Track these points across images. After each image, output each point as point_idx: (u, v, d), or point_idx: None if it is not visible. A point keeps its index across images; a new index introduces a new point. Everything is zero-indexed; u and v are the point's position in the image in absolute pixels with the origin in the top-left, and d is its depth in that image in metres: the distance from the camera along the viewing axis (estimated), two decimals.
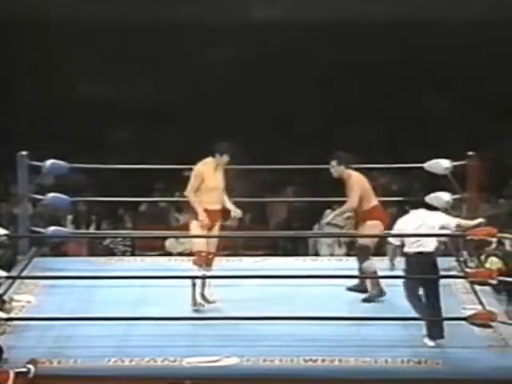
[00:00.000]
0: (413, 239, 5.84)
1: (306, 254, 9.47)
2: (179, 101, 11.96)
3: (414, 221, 5.93)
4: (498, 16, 11.56)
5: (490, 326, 5.75)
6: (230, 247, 9.60)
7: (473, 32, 11.47)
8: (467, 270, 6.67)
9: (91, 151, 10.58)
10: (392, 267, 6.05)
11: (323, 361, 5.52)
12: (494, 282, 5.96)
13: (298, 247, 10.06)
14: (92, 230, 9.94)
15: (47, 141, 10.41)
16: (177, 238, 9.79)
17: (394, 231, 6.01)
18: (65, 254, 9.28)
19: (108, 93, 12.06)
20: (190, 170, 6.53)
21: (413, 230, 5.88)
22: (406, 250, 5.88)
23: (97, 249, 9.72)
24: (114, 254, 9.36)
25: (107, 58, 11.87)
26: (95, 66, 11.87)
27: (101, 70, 11.91)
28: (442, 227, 5.91)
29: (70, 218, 9.96)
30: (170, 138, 11.82)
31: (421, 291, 5.83)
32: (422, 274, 5.81)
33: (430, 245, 5.84)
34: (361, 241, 6.61)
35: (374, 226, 6.60)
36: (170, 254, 9.50)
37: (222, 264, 6.81)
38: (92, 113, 11.74)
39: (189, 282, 6.31)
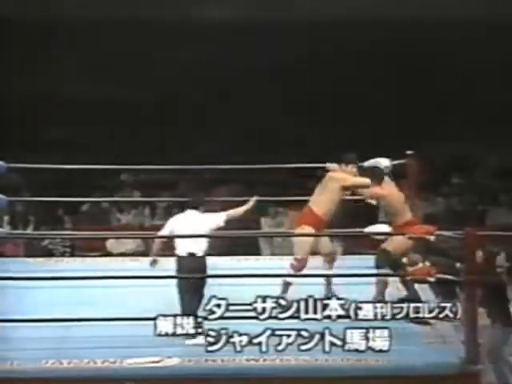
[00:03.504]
0: (186, 242, 5.91)
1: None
2: (126, 99, 11.87)
3: (188, 223, 6.02)
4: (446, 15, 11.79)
5: (428, 324, 5.82)
6: (174, 248, 9.53)
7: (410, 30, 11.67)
8: (407, 267, 6.74)
9: (30, 150, 10.42)
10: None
11: (264, 360, 5.52)
12: (432, 279, 6.04)
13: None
14: (30, 230, 9.79)
15: None
16: (118, 238, 9.73)
17: (166, 230, 6.07)
18: (1, 255, 9.12)
19: (48, 90, 11.92)
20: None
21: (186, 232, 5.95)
22: (177, 252, 5.98)
23: (35, 250, 9.58)
24: (52, 255, 9.25)
25: (51, 54, 11.73)
26: (39, 63, 11.72)
27: (41, 66, 11.77)
28: (214, 229, 6.05)
29: (6, 218, 9.80)
30: (112, 137, 11.73)
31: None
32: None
33: (201, 248, 5.96)
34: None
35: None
36: (110, 255, 9.43)
37: (164, 264, 6.75)
38: (32, 111, 11.58)
39: (128, 282, 6.23)
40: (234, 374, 5.48)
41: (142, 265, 7.42)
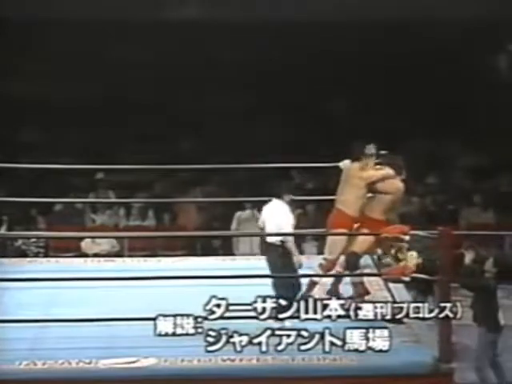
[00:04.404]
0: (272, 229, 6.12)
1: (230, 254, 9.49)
2: (92, 100, 11.83)
3: (272, 211, 6.19)
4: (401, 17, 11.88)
5: (402, 323, 5.86)
6: (148, 248, 9.56)
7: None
8: (382, 267, 6.77)
9: (2, 150, 10.35)
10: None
11: (241, 360, 5.53)
12: (406, 279, 6.08)
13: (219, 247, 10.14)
14: (3, 231, 9.71)
15: None
16: (93, 238, 9.70)
17: (261, 218, 6.26)
18: None
19: (18, 91, 11.85)
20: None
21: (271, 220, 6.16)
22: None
23: (8, 250, 9.50)
24: (26, 256, 9.18)
25: (20, 55, 11.66)
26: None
27: (10, 67, 11.71)
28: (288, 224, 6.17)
29: None
30: (83, 137, 11.68)
31: None
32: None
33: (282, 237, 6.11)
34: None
35: None
36: (85, 256, 9.38)
37: (140, 264, 6.75)
38: (3, 111, 11.50)
39: (100, 283, 6.20)
40: (212, 374, 5.48)
41: (117, 265, 7.42)
